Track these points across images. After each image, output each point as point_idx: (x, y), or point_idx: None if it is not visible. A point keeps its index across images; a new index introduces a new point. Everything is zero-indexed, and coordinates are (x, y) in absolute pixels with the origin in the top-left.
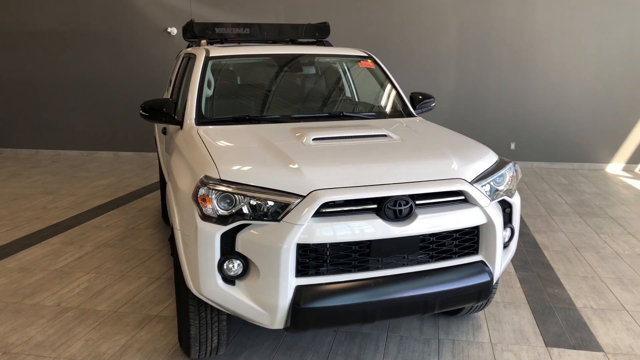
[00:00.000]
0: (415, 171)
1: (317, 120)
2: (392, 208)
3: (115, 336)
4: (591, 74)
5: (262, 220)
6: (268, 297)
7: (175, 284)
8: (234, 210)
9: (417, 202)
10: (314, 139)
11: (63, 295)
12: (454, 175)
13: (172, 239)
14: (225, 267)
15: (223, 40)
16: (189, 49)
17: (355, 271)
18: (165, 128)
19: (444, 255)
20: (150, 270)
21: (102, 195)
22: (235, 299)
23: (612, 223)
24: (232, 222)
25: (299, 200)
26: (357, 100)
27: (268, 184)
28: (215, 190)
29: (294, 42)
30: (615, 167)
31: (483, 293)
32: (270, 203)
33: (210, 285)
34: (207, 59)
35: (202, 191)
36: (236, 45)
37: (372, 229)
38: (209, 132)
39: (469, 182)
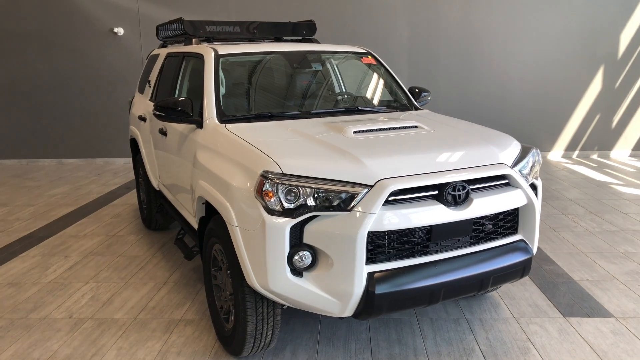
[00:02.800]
0: (468, 158)
1: (336, 115)
2: (452, 193)
3: (146, 343)
4: (530, 69)
5: (329, 211)
6: (342, 285)
7: (205, 284)
8: (299, 203)
9: (471, 187)
10: (354, 132)
11: (70, 306)
12: (497, 160)
13: (178, 242)
14: (294, 259)
15: (210, 38)
16: (180, 48)
17: (417, 256)
18: (162, 128)
19: (490, 236)
20: (153, 276)
21: (64, 204)
22: (306, 290)
23: (573, 205)
24: (299, 215)
25: (367, 190)
26: (360, 94)
27: (332, 176)
28: (281, 184)
29: (279, 39)
30: (555, 154)
31: (526, 269)
32: (337, 194)
33: (279, 279)
34: (218, 57)
35: (267, 186)
36: (239, 43)
37: (435, 214)
38: (240, 129)
39: (510, 167)
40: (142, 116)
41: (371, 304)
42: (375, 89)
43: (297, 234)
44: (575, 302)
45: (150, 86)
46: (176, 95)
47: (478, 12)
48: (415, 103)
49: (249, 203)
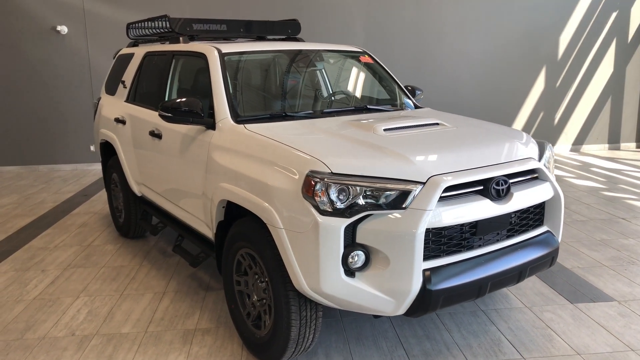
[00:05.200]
0: (503, 153)
1: (347, 113)
2: (497, 188)
3: (168, 356)
4: (478, 69)
5: (382, 209)
6: (400, 283)
7: (226, 291)
8: (349, 202)
9: (510, 181)
10: (384, 129)
11: (68, 323)
12: (527, 155)
13: (177, 249)
14: (348, 259)
15: (194, 36)
16: (165, 47)
17: (464, 251)
18: (154, 131)
19: (523, 229)
20: (149, 286)
21: (18, 214)
22: (360, 290)
23: None
24: (353, 214)
25: (420, 186)
26: (362, 93)
27: (382, 174)
28: (333, 184)
29: (262, 38)
30: None
31: (554, 258)
32: (391, 192)
33: (333, 281)
34: (222, 55)
35: (318, 186)
36: (227, 42)
37: (482, 208)
38: (263, 129)
39: (538, 161)
40: (119, 119)
41: (428, 301)
42: (376, 87)
43: (349, 233)
44: (576, 289)
45: (125, 87)
46: (167, 97)
47: (429, 15)
48: (415, 101)
49: (296, 205)
